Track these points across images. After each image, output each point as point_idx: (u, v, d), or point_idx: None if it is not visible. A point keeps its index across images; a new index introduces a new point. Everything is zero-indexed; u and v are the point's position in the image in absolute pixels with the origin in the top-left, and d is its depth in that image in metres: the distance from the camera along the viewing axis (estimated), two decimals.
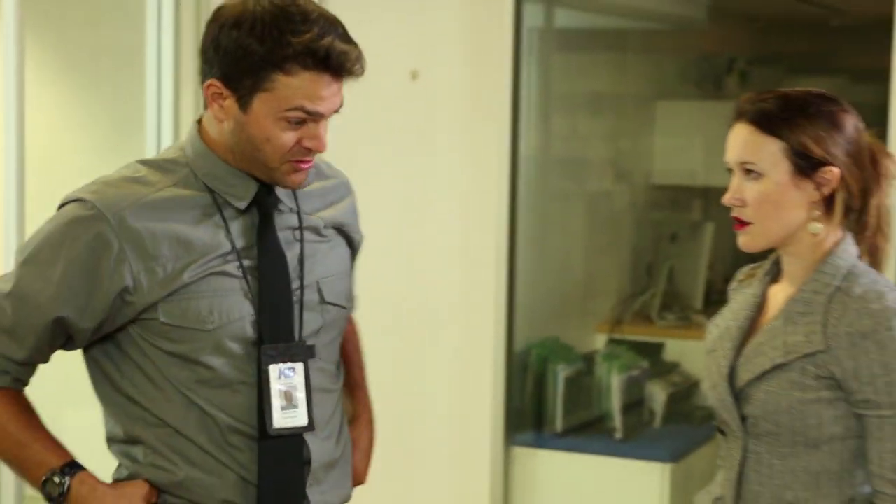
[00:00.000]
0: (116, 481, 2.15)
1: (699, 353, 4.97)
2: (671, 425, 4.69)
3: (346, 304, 2.25)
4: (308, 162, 2.08)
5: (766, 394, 2.09)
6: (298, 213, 2.17)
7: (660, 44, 5.98)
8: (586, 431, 4.61)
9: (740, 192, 2.11)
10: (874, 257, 2.16)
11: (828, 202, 2.10)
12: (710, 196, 5.68)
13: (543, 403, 4.59)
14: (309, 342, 2.15)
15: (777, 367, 2.08)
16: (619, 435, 4.52)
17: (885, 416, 2.02)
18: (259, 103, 2.00)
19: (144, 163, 2.13)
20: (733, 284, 2.32)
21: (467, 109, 4.30)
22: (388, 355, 4.24)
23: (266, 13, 1.98)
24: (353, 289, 2.29)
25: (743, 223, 2.12)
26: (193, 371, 2.07)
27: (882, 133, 3.82)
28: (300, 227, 2.16)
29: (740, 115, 2.12)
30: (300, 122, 2.02)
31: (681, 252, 5.25)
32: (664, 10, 5.63)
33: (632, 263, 5.47)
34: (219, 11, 2.03)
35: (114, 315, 2.05)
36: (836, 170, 2.08)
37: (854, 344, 2.02)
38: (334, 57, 1.99)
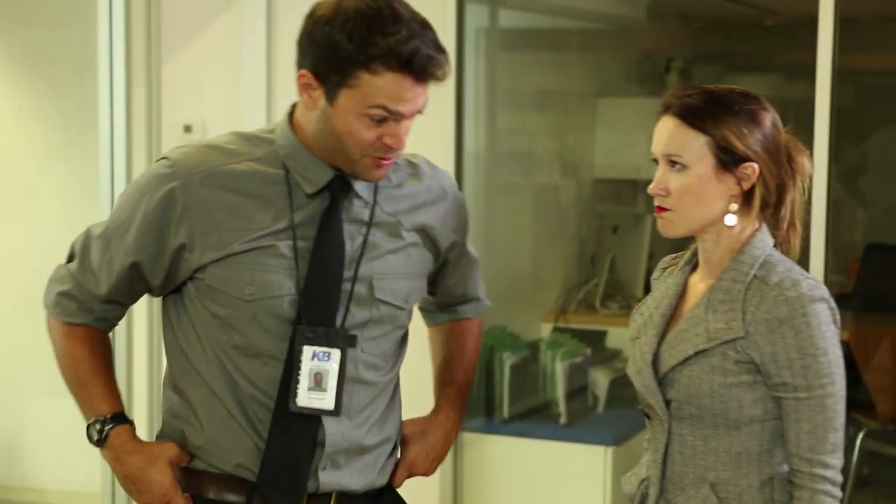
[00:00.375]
0: (158, 436, 2.30)
1: None
2: (614, 410, 4.79)
3: (402, 305, 2.27)
4: (389, 159, 2.15)
5: (688, 378, 2.15)
6: (372, 209, 2.23)
7: (601, 43, 6.10)
8: (532, 417, 4.71)
9: (664, 183, 2.15)
10: (786, 249, 2.23)
11: (746, 196, 2.16)
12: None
13: (491, 390, 4.69)
14: (352, 332, 2.20)
15: (699, 353, 2.14)
16: (563, 420, 4.63)
17: (801, 398, 2.10)
18: (344, 98, 2.08)
19: (238, 134, 2.25)
20: (656, 274, 2.37)
21: None
22: None
23: (358, 12, 2.05)
24: (420, 291, 2.33)
25: (662, 209, 2.17)
26: (230, 336, 2.18)
27: (809, 128, 4.01)
28: (369, 223, 2.22)
29: (667, 109, 2.17)
30: (382, 120, 2.09)
31: (622, 243, 5.35)
32: (605, 10, 5.75)
33: (576, 254, 5.58)
34: (316, 6, 2.11)
35: (175, 269, 2.19)
36: (756, 165, 2.14)
37: (772, 329, 2.09)
38: (418, 61, 2.05)
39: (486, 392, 4.71)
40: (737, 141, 2.13)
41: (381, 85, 2.06)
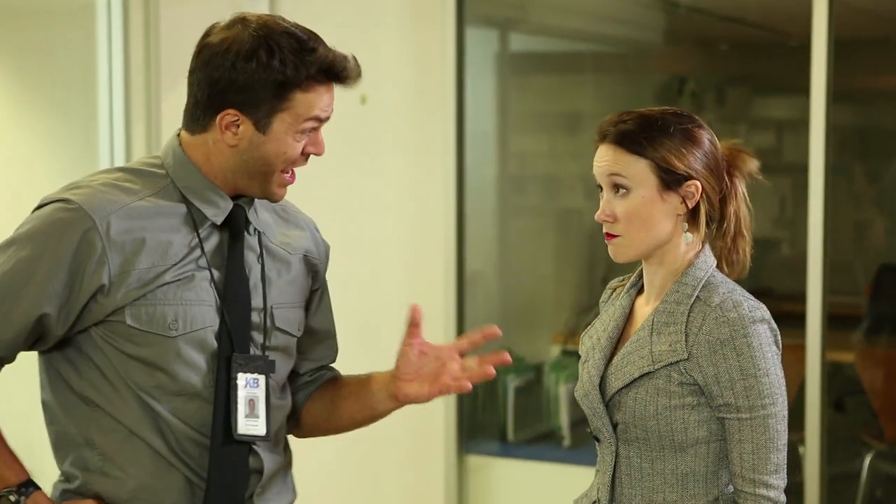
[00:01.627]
0: (65, 493, 2.19)
1: None
2: None
3: (295, 333, 2.30)
4: (293, 175, 2.19)
5: (634, 401, 2.17)
6: (260, 238, 2.25)
7: (614, 66, 6.12)
8: (537, 439, 4.74)
9: (611, 209, 2.19)
10: (736, 260, 2.26)
11: (692, 214, 2.19)
12: None
13: (496, 413, 4.72)
14: (271, 358, 2.22)
15: (644, 376, 2.17)
16: (566, 442, 4.64)
17: (744, 419, 2.13)
18: (278, 122, 2.12)
19: (124, 170, 2.21)
20: (604, 296, 2.41)
21: (414, 131, 4.46)
22: (341, 369, 4.36)
23: (274, 39, 2.10)
24: (303, 319, 2.33)
25: (612, 236, 2.21)
26: (152, 376, 2.13)
27: (804, 145, 4.02)
28: (261, 252, 2.24)
29: (603, 137, 2.21)
30: (310, 132, 2.15)
31: (632, 265, 5.34)
32: (619, 34, 5.77)
33: (586, 277, 5.60)
34: (217, 47, 2.12)
35: (84, 316, 2.11)
36: (698, 183, 2.17)
37: (714, 351, 2.12)
38: (339, 68, 2.14)
39: (491, 415, 4.72)
40: (676, 161, 2.16)
41: (312, 99, 2.13)
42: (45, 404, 2.23)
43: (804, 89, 4.07)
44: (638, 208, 2.17)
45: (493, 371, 2.25)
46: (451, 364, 2.27)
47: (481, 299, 4.80)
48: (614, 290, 2.39)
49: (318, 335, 2.41)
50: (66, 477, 2.22)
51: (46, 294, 2.09)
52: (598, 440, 2.28)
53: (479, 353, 2.28)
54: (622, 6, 5.50)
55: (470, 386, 2.25)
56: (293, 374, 2.38)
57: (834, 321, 4.24)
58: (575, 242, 5.65)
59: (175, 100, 4.62)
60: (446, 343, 2.32)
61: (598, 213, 2.22)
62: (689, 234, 2.19)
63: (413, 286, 4.52)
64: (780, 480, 2.15)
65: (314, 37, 2.14)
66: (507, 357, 2.24)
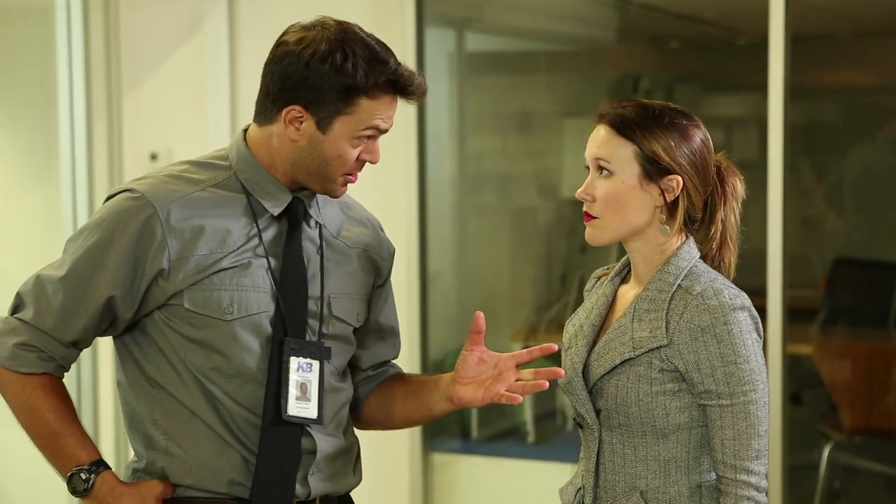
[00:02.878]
0: (135, 472, 2.30)
1: None
2: None
3: (354, 323, 2.38)
4: (356, 176, 2.30)
5: (616, 387, 2.20)
6: (320, 230, 2.34)
7: (570, 65, 6.15)
8: (502, 436, 4.77)
9: (592, 189, 2.23)
10: (718, 267, 2.28)
11: (671, 208, 2.23)
12: None
13: (460, 410, 4.72)
14: (326, 345, 2.31)
15: (625, 362, 2.20)
16: (531, 439, 4.69)
17: (725, 405, 2.16)
18: (339, 125, 2.21)
19: (191, 162, 2.32)
20: (588, 285, 2.43)
21: None
22: None
23: (350, 45, 2.20)
24: (364, 310, 2.41)
25: (591, 217, 2.24)
26: (209, 358, 2.23)
27: (762, 146, 4.07)
28: (321, 244, 2.33)
29: (601, 118, 2.24)
30: (367, 139, 2.24)
31: (591, 262, 5.37)
32: (573, 32, 5.80)
33: (546, 274, 5.63)
34: (294, 45, 2.21)
35: (146, 299, 2.23)
36: (679, 178, 2.20)
37: (695, 338, 2.15)
38: (406, 82, 2.22)
39: (456, 413, 4.72)
40: (663, 153, 2.19)
41: (375, 108, 2.21)
42: (118, 384, 2.35)
43: (756, 86, 4.11)
44: (617, 192, 2.20)
45: (546, 384, 2.29)
46: (508, 374, 2.31)
47: (442, 298, 4.81)
48: (599, 278, 2.41)
49: (381, 332, 2.49)
50: (136, 455, 2.32)
51: (114, 278, 2.21)
52: (581, 427, 2.31)
53: (535, 366, 2.33)
54: (577, 4, 5.53)
55: (520, 399, 2.31)
56: (355, 369, 2.46)
57: (792, 315, 4.30)
58: (532, 240, 5.68)
59: (136, 101, 4.64)
60: (507, 353, 2.36)
61: (579, 190, 2.25)
62: (665, 227, 2.23)
63: None
64: (762, 466, 2.18)
65: (387, 49, 2.24)
66: (562, 372, 2.28)
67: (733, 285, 2.23)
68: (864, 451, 5.23)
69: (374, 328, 2.48)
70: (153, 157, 4.53)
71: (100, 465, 2.25)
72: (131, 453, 2.36)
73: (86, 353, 4.54)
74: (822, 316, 5.42)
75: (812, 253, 5.90)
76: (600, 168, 2.22)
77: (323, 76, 2.19)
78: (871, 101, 6.41)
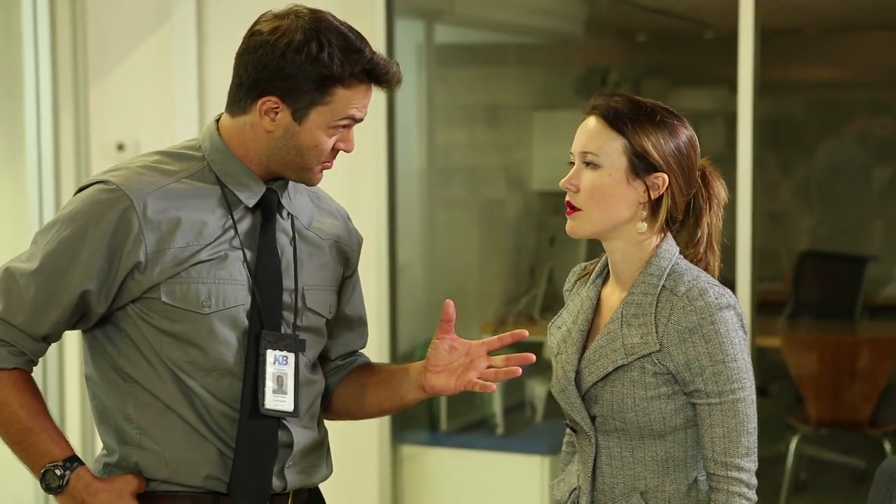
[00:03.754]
0: (106, 466, 2.27)
1: None
2: (551, 420, 4.83)
3: (326, 315, 2.36)
4: (331, 163, 2.27)
5: (611, 394, 2.19)
6: (293, 222, 2.32)
7: (539, 57, 6.16)
8: (471, 428, 4.77)
9: (576, 179, 2.20)
10: (707, 271, 2.26)
11: (654, 206, 2.21)
12: None
13: (428, 402, 4.73)
14: (301, 337, 2.29)
15: (618, 368, 2.18)
16: (500, 430, 4.68)
17: (714, 404, 2.15)
18: (315, 115, 2.19)
19: (163, 153, 2.28)
20: (567, 285, 2.40)
21: None
22: None
23: (325, 34, 2.18)
24: (335, 302, 2.39)
25: (573, 209, 2.21)
26: (186, 352, 2.20)
27: (730, 140, 4.09)
28: (294, 235, 2.31)
29: (592, 109, 2.22)
30: (343, 128, 2.22)
31: (560, 255, 5.39)
32: (542, 25, 5.81)
33: (515, 267, 5.63)
34: (268, 35, 2.19)
35: (122, 292, 2.19)
36: (665, 177, 2.18)
37: (683, 339, 2.15)
38: (382, 71, 2.21)
39: (424, 405, 4.74)
40: (652, 149, 2.18)
41: (352, 97, 2.19)
42: (88, 379, 2.32)
43: (724, 80, 4.13)
44: (602, 185, 2.18)
45: (518, 370, 2.29)
46: (480, 361, 2.31)
47: (411, 290, 4.81)
48: (579, 278, 2.39)
49: (349, 321, 2.48)
50: (107, 450, 2.29)
51: (88, 272, 2.17)
52: (573, 430, 2.29)
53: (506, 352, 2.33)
54: None
55: (493, 387, 2.30)
56: (324, 359, 2.44)
57: (759, 307, 4.32)
58: (501, 233, 5.69)
59: (103, 91, 4.60)
60: (478, 341, 2.35)
61: (563, 180, 2.22)
62: (643, 224, 2.21)
63: None
64: (752, 463, 2.18)
65: (361, 38, 2.22)
66: (532, 357, 2.28)
67: (717, 282, 2.22)
68: (830, 443, 5.27)
69: (343, 318, 2.46)
70: (120, 147, 4.50)
71: (74, 461, 2.21)
72: (98, 448, 2.33)
73: (52, 347, 4.51)
74: (788, 309, 5.46)
75: (779, 246, 5.93)
76: (587, 160, 2.20)
77: (299, 66, 2.17)
78: (838, 96, 6.45)
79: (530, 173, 5.62)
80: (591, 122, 2.21)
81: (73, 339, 4.34)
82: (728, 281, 4.12)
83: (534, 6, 5.53)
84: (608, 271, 2.30)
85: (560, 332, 2.32)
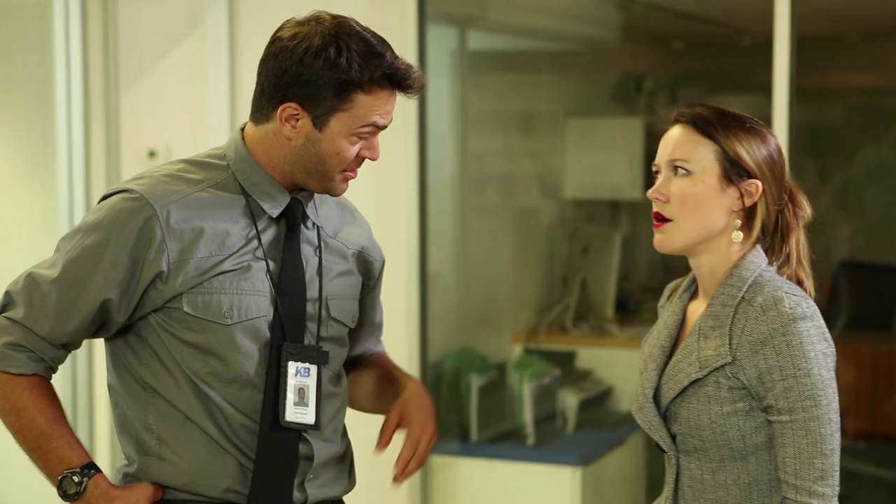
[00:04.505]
0: (126, 477, 2.27)
1: (611, 360, 5.17)
2: (583, 431, 4.81)
3: (350, 324, 2.37)
4: (356, 172, 2.26)
5: (687, 411, 2.11)
6: (318, 232, 2.31)
7: (574, 64, 6.13)
8: (502, 438, 4.72)
9: (665, 188, 2.14)
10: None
11: (748, 214, 2.14)
12: (620, 209, 5.85)
13: (459, 412, 4.70)
14: (324, 349, 2.29)
15: (694, 383, 2.10)
16: (531, 441, 4.64)
17: (784, 421, 2.04)
18: (336, 122, 2.17)
19: (187, 161, 2.27)
20: (661, 301, 2.32)
21: None
22: None
23: (343, 39, 2.15)
24: (357, 311, 2.40)
25: (662, 220, 2.14)
26: (207, 363, 2.20)
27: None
28: (319, 245, 2.30)
29: (678, 118, 2.16)
30: (366, 136, 2.20)
31: (593, 264, 5.36)
32: (577, 32, 5.78)
33: (548, 275, 5.60)
34: (288, 41, 2.17)
35: (144, 302, 2.18)
36: (759, 183, 2.12)
37: (755, 352, 2.05)
38: (403, 76, 2.18)
39: (455, 414, 4.71)
40: (745, 154, 2.11)
41: (373, 103, 2.17)
42: (110, 388, 2.31)
43: (760, 87, 4.08)
44: (695, 192, 2.12)
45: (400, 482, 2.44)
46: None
47: (442, 298, 4.78)
48: (673, 291, 2.31)
49: (369, 328, 2.51)
50: (127, 460, 2.28)
51: (110, 280, 2.16)
52: (662, 451, 2.21)
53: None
54: (579, 3, 5.51)
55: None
56: None
57: None
58: (534, 241, 5.65)
59: (134, 97, 4.60)
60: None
61: (651, 190, 2.16)
62: (739, 233, 2.13)
63: None
64: (828, 488, 2.04)
65: (383, 43, 2.19)
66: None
67: (800, 292, 2.11)
68: (867, 457, 5.20)
69: (362, 326, 2.47)
70: (151, 154, 4.49)
71: (91, 468, 2.20)
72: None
73: (81, 356, 4.51)
74: (825, 319, 5.38)
75: (816, 255, 5.86)
76: (676, 168, 2.14)
77: (317, 72, 2.15)
78: (876, 103, 6.38)
79: (564, 181, 5.60)
80: (677, 130, 2.15)
81: (102, 349, 4.34)
82: None
83: (568, 12, 5.49)
84: (696, 286, 2.22)
85: (648, 348, 2.25)
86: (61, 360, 2.25)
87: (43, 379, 2.22)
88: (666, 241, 2.15)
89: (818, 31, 5.47)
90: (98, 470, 2.21)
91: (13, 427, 2.22)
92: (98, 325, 2.21)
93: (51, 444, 2.20)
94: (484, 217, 5.40)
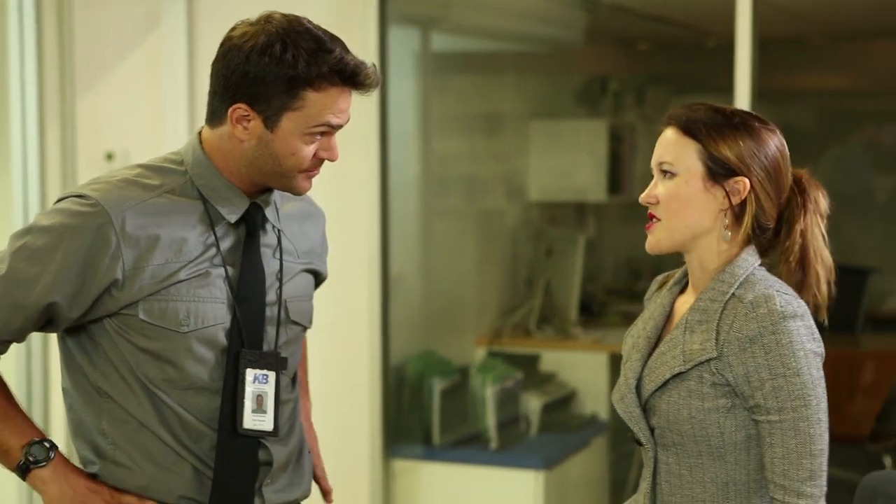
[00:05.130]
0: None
1: (575, 363, 5.14)
2: (547, 434, 4.79)
3: (307, 325, 2.36)
4: (317, 171, 2.22)
5: (667, 404, 2.09)
6: (279, 235, 2.29)
7: (538, 66, 6.11)
8: (464, 442, 4.70)
9: (654, 191, 2.13)
10: (803, 286, 2.14)
11: (738, 213, 2.11)
12: (584, 211, 5.84)
13: (422, 416, 4.68)
14: (283, 355, 2.27)
15: (676, 377, 2.09)
16: (494, 445, 4.62)
17: (773, 421, 2.02)
18: (287, 121, 2.13)
19: (144, 166, 2.24)
20: (648, 293, 2.32)
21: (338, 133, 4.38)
22: None
23: (291, 36, 2.12)
24: (312, 311, 2.39)
25: (653, 220, 2.14)
26: (162, 369, 2.17)
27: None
28: (279, 247, 2.28)
29: (669, 121, 2.15)
30: (321, 136, 2.16)
31: (557, 266, 5.35)
32: (541, 33, 5.76)
33: (511, 278, 5.58)
34: (237, 40, 2.14)
35: (97, 307, 2.15)
36: (746, 181, 2.09)
37: (743, 349, 2.03)
38: (358, 73, 2.15)
39: (417, 418, 4.68)
40: (728, 152, 2.09)
41: (324, 102, 2.14)
42: (64, 391, 2.30)
43: (726, 89, 4.07)
44: (679, 193, 2.11)
45: None
46: None
47: (405, 301, 4.75)
48: (661, 285, 2.30)
49: None
50: (83, 462, 2.26)
51: (57, 284, 2.13)
52: (640, 444, 2.19)
53: None
54: (544, 5, 5.49)
55: None
56: None
57: None
58: (497, 244, 5.63)
59: (91, 100, 4.55)
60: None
61: (643, 195, 2.15)
62: (727, 232, 2.11)
63: (337, 288, 4.45)
64: (816, 489, 2.03)
65: (334, 39, 2.16)
66: None
67: (791, 291, 2.09)
68: (829, 458, 5.18)
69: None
70: (109, 156, 4.45)
71: (52, 444, 2.20)
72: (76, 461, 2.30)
73: (37, 358, 4.46)
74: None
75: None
76: (663, 171, 2.13)
77: (263, 69, 2.11)
78: (841, 105, 6.39)
79: (528, 183, 5.58)
80: (668, 132, 2.15)
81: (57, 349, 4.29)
82: None
83: (531, 14, 5.48)
84: (687, 280, 2.21)
85: (631, 340, 2.23)
86: (3, 352, 2.23)
87: None
88: (655, 243, 2.15)
89: (783, 32, 5.47)
90: (56, 446, 2.21)
91: None
92: (44, 323, 2.19)
93: (6, 423, 2.19)
94: (448, 219, 5.37)
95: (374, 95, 4.35)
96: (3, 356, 2.25)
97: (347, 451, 4.41)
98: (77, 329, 2.21)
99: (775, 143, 2.13)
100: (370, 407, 4.45)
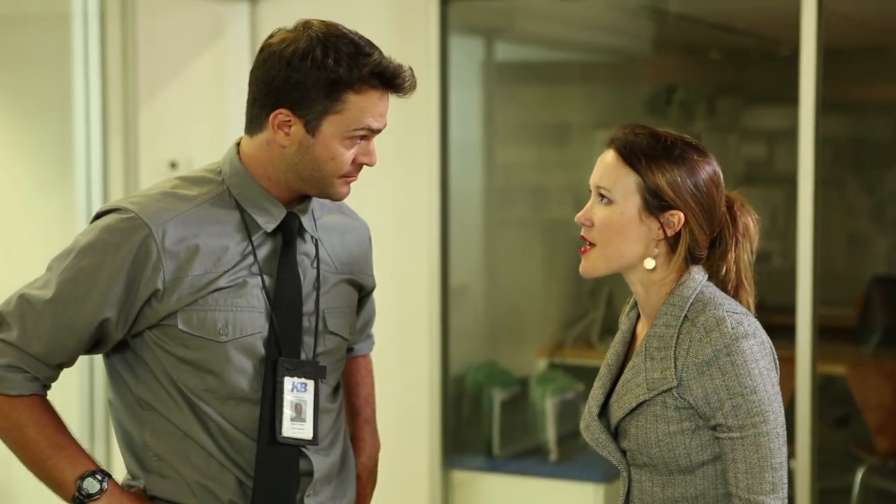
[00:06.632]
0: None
1: None
2: None
3: (347, 336, 2.37)
4: (356, 176, 2.24)
5: (636, 429, 2.15)
6: (317, 244, 2.31)
7: (602, 76, 6.08)
8: (524, 454, 4.68)
9: (591, 213, 2.17)
10: None
11: (672, 243, 2.15)
12: None
13: (481, 427, 4.67)
14: (321, 364, 2.29)
15: (642, 403, 2.13)
16: (554, 457, 4.60)
17: (735, 438, 2.08)
18: (328, 125, 2.16)
19: (182, 178, 2.27)
20: (622, 316, 2.35)
21: (398, 141, 4.40)
22: None
23: (331, 40, 2.15)
24: (355, 323, 2.42)
25: (587, 246, 2.18)
26: (202, 379, 2.20)
27: (795, 155, 3.97)
28: (317, 257, 2.30)
29: (611, 142, 2.17)
30: (361, 140, 2.18)
31: (620, 277, 5.29)
32: (608, 42, 5.73)
33: (574, 289, 5.55)
34: (276, 47, 2.16)
35: (139, 320, 2.18)
36: (681, 215, 2.13)
37: (701, 373, 2.08)
38: (396, 75, 2.17)
39: (477, 429, 4.67)
40: (667, 187, 2.12)
41: (365, 104, 2.16)
42: (110, 404, 2.32)
43: (795, 99, 4.02)
44: (615, 221, 2.14)
45: None
46: None
47: (466, 311, 4.74)
48: (629, 311, 2.32)
49: (361, 331, 2.53)
50: (131, 475, 2.29)
51: (107, 300, 2.16)
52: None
53: None
54: (610, 15, 5.45)
55: None
56: None
57: (825, 333, 4.18)
58: (562, 254, 5.60)
59: (155, 108, 4.59)
60: None
61: (579, 214, 2.19)
62: (651, 260, 2.15)
63: (398, 298, 4.46)
64: (778, 500, 2.09)
65: (372, 45, 2.18)
66: None
67: (741, 309, 2.14)
68: (882, 472, 5.11)
69: (356, 331, 2.48)
70: (173, 165, 4.48)
71: (105, 473, 2.20)
72: (122, 473, 2.32)
73: (99, 371, 4.49)
74: (857, 336, 5.29)
75: (850, 269, 5.77)
76: (601, 194, 2.16)
77: (305, 73, 2.13)
78: None
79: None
80: (609, 155, 2.17)
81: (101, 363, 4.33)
82: (788, 305, 4.01)
83: (597, 23, 5.44)
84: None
85: (602, 366, 2.29)
86: (55, 378, 2.25)
87: (41, 398, 2.22)
88: (588, 268, 2.19)
89: (849, 41, 5.38)
90: (110, 475, 2.21)
91: (15, 445, 2.21)
92: (94, 343, 2.21)
93: (62, 451, 2.19)
94: (511, 229, 5.36)
95: (435, 105, 4.39)
96: (54, 382, 2.25)
97: (407, 462, 4.41)
98: (120, 344, 2.23)
99: (710, 174, 2.17)
100: (430, 417, 4.44)
